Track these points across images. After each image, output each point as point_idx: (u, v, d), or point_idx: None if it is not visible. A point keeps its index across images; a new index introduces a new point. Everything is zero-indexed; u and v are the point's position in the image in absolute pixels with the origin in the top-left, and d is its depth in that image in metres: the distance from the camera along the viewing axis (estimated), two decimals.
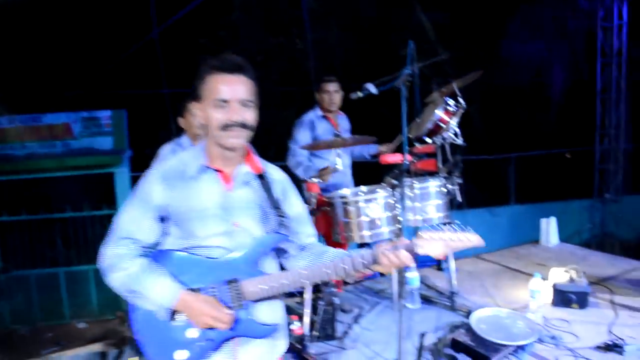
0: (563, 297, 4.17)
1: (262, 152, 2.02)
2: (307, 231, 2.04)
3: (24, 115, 9.16)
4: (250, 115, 1.78)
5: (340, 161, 3.46)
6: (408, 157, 3.39)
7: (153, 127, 10.78)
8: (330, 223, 3.65)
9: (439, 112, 4.00)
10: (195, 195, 1.80)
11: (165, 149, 3.27)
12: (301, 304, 3.88)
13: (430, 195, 3.66)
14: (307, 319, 3.59)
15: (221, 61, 1.77)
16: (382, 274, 4.73)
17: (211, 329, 1.77)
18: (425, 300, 4.50)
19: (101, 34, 9.76)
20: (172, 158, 1.92)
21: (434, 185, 3.67)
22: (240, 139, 1.78)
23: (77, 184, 9.19)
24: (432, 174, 3.89)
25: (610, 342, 3.42)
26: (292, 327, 3.73)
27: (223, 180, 1.84)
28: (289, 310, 4.24)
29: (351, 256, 1.82)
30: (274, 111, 9.27)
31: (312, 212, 3.54)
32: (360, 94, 4.19)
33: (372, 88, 4.11)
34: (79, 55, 9.82)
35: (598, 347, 3.43)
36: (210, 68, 1.77)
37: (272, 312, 1.91)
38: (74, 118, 9.21)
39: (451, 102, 4.09)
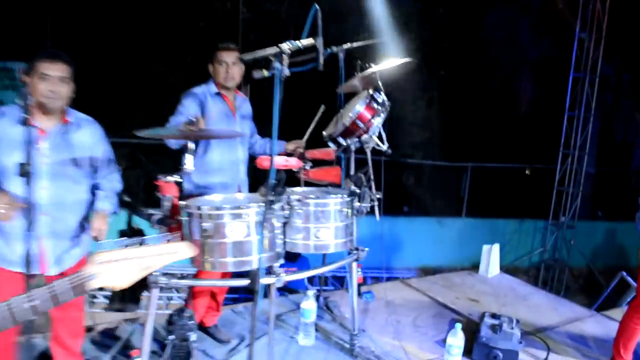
0: (487, 353, 3.37)
1: None
2: None
3: None
4: None
5: (191, 160, 2.54)
6: (297, 163, 2.51)
7: None
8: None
9: (360, 107, 3.12)
10: None
11: None
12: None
13: (327, 216, 2.77)
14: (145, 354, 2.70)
15: None
16: None
17: None
18: (323, 335, 3.67)
19: None
20: None
21: (335, 202, 2.78)
22: None
23: None
24: (336, 186, 3.02)
25: None
26: None
27: None
28: (128, 345, 3.36)
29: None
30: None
31: (164, 222, 2.62)
32: (266, 73, 3.31)
33: (284, 68, 3.24)
34: None
35: None
36: None
37: None
38: None
39: (380, 97, 3.22)
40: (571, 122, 9.00)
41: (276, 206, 2.48)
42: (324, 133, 3.33)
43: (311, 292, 3.58)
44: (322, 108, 3.39)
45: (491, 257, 5.17)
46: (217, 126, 3.26)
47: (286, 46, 2.26)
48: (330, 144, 3.28)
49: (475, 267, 5.39)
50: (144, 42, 8.88)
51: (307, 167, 2.67)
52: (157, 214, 2.65)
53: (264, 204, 2.40)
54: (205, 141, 3.23)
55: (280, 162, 2.50)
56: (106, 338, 3.56)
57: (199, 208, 2.51)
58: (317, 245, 2.80)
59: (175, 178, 2.66)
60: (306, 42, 2.34)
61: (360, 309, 4.18)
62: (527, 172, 10.48)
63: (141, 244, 2.25)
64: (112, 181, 2.74)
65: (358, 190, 2.85)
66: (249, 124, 3.49)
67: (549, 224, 9.48)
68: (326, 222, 2.78)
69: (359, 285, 4.50)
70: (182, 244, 1.47)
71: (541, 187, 9.82)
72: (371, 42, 3.69)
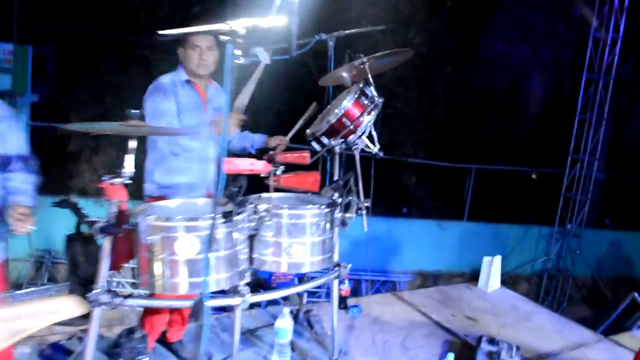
0: None
1: None
2: None
3: None
4: None
5: (131, 161, 2.13)
6: (264, 167, 2.12)
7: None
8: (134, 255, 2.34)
9: (347, 103, 2.72)
10: None
11: None
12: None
13: (302, 229, 2.37)
14: None
15: None
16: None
17: None
18: (301, 355, 3.29)
19: None
20: None
21: (311, 214, 2.38)
22: None
23: None
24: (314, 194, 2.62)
25: None
26: None
27: None
28: None
29: None
30: None
31: (108, 231, 2.23)
32: (242, 60, 2.91)
33: (261, 54, 2.86)
34: None
35: None
36: None
37: None
38: None
39: (371, 92, 2.81)
40: (582, 126, 8.58)
41: (238, 217, 2.09)
42: (308, 131, 2.93)
43: (287, 310, 3.19)
44: (313, 105, 2.99)
45: (492, 270, 4.77)
46: (187, 119, 2.88)
47: (240, 24, 1.81)
48: (314, 144, 2.89)
49: (475, 274, 4.98)
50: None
51: (278, 173, 2.27)
52: (100, 221, 2.25)
53: (217, 216, 2.00)
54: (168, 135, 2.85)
55: (244, 165, 2.10)
56: (57, 352, 3.21)
57: (143, 217, 2.12)
58: (290, 263, 2.41)
59: (123, 179, 2.26)
60: (273, 21, 1.91)
61: (344, 326, 3.80)
62: (533, 176, 10.05)
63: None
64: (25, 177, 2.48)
65: (338, 200, 2.44)
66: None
67: (555, 231, 9.10)
68: (300, 236, 2.38)
69: (345, 298, 4.13)
70: (67, 300, 1.12)
71: (548, 193, 9.42)
72: (367, 30, 3.29)
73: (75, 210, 2.45)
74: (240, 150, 3.22)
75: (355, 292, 8.57)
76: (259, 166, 2.11)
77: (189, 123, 2.85)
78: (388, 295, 4.57)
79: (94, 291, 2.27)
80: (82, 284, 2.53)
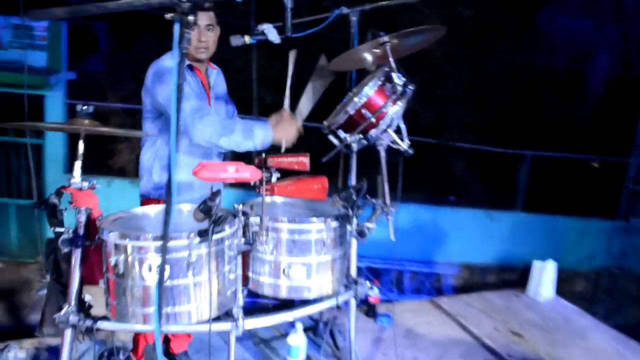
0: None
1: None
2: None
3: None
4: None
5: (79, 168, 1.75)
6: (253, 175, 1.70)
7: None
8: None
9: (369, 90, 2.25)
10: None
11: None
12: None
13: (305, 247, 1.94)
14: None
15: None
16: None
17: None
18: None
19: None
20: None
21: (316, 229, 1.95)
22: None
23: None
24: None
25: None
26: None
27: None
28: None
29: None
30: None
31: (74, 243, 1.88)
32: (247, 40, 2.50)
33: (271, 32, 2.45)
34: None
35: None
36: None
37: None
38: (4, 23, 7.56)
39: (399, 77, 2.32)
40: None
41: (219, 236, 1.69)
42: (325, 123, 2.48)
43: (300, 325, 2.80)
44: (323, 58, 2.54)
45: (544, 276, 4.22)
46: None
47: None
48: (332, 138, 2.44)
49: (528, 270, 4.42)
50: None
51: (273, 180, 1.84)
52: (66, 231, 1.91)
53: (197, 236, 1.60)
54: (167, 127, 2.46)
55: (226, 172, 1.68)
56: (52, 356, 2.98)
57: (107, 232, 1.75)
58: (291, 287, 2.00)
59: (93, 184, 1.90)
60: None
61: (371, 338, 3.40)
62: (594, 164, 9.24)
63: None
64: None
65: (349, 213, 2.00)
66: (224, 105, 2.69)
67: (617, 225, 8.32)
68: (302, 255, 1.96)
69: (374, 306, 3.71)
70: None
71: (610, 183, 8.62)
72: (398, 3, 2.78)
73: (52, 213, 2.12)
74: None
75: (399, 282, 8.20)
76: (245, 173, 1.70)
77: None
78: (424, 303, 4.11)
79: (63, 310, 1.96)
80: (64, 293, 2.23)
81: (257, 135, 2.17)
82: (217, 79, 2.64)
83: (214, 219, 1.59)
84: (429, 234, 8.14)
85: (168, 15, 1.36)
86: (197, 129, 2.18)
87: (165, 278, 1.69)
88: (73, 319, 1.93)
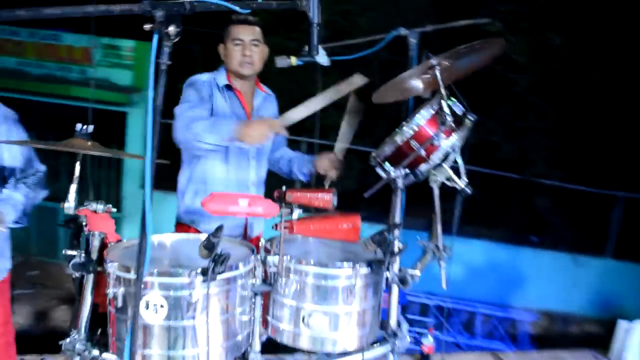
0: None
1: None
2: None
3: (46, 30, 8.10)
4: None
5: (74, 191, 1.60)
6: (267, 210, 1.49)
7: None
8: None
9: (420, 120, 1.99)
10: None
11: None
12: None
13: (329, 295, 1.69)
14: None
15: None
16: None
17: None
18: None
19: None
20: None
21: (345, 275, 1.69)
22: None
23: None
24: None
25: None
26: None
27: None
28: None
29: None
30: None
31: (86, 268, 1.75)
32: (294, 61, 2.31)
33: (321, 55, 2.25)
34: None
35: None
36: None
37: None
38: (95, 43, 7.97)
39: (456, 106, 2.05)
40: None
41: (230, 275, 1.50)
42: (373, 154, 2.25)
43: None
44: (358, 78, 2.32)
45: (630, 339, 3.68)
46: None
47: None
48: (379, 170, 2.20)
49: (614, 324, 3.89)
50: None
51: (294, 217, 1.61)
52: (78, 255, 1.79)
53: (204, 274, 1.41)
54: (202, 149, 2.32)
55: (238, 206, 1.47)
56: None
57: (108, 262, 1.61)
58: (313, 338, 1.75)
59: (108, 207, 1.77)
60: None
61: None
62: None
63: None
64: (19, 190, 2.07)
65: (382, 259, 1.73)
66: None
67: None
68: (326, 304, 1.71)
69: (428, 356, 3.37)
70: None
71: None
72: (466, 24, 2.51)
73: (76, 234, 2.03)
74: (288, 174, 2.63)
75: (468, 326, 7.70)
76: (258, 208, 1.49)
77: None
78: (486, 356, 3.70)
79: (70, 337, 1.84)
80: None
81: (223, 128, 2.09)
82: (264, 102, 2.49)
83: (214, 257, 1.39)
84: (505, 275, 7.62)
85: (147, 27, 1.20)
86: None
87: (162, 317, 1.51)
88: (79, 347, 1.80)
